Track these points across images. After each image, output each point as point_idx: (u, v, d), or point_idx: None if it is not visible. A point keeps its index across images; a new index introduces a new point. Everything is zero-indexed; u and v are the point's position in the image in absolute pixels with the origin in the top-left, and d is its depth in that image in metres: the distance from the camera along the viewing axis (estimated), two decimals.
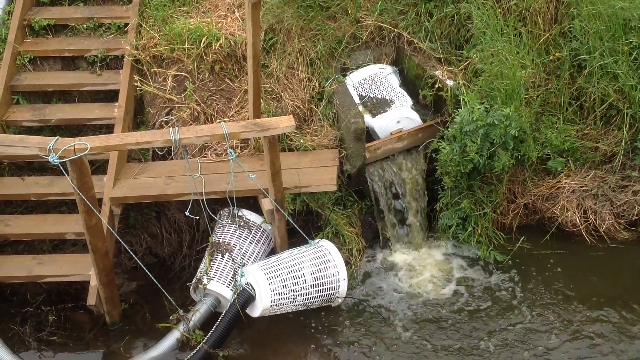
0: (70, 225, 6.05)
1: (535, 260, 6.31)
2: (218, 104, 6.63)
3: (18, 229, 6.12)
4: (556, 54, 6.54)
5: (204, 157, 6.47)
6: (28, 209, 6.41)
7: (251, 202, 6.26)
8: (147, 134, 5.39)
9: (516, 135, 5.92)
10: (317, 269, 5.67)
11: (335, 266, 5.73)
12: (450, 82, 6.47)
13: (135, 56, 6.75)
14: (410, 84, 6.89)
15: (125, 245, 5.60)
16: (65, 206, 6.37)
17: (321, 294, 5.69)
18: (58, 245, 6.33)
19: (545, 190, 6.47)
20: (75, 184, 5.17)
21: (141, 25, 6.94)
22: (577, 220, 6.37)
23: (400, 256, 6.48)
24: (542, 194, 6.47)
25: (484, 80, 6.27)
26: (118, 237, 5.68)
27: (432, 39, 6.79)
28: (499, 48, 6.28)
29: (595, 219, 6.38)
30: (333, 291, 5.73)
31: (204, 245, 6.19)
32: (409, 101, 6.70)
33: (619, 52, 6.37)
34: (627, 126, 6.39)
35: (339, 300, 5.85)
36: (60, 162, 5.01)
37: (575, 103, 6.57)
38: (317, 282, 5.64)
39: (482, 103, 6.12)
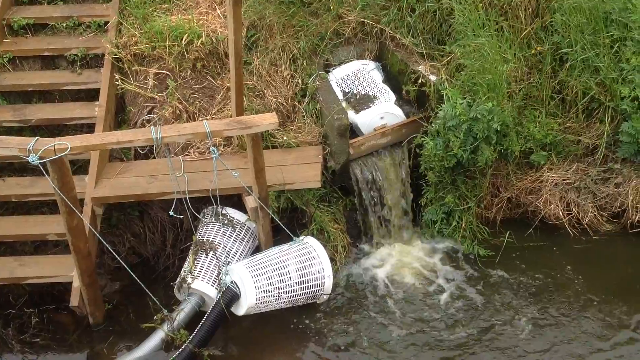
0: (51, 226, 5.98)
1: (519, 254, 6.33)
2: (200, 102, 6.59)
3: None
4: (538, 48, 6.56)
5: (187, 155, 6.42)
6: (9, 210, 6.33)
7: (235, 200, 6.23)
8: (129, 133, 5.35)
9: (499, 129, 5.94)
10: (302, 266, 5.66)
11: (321, 263, 5.72)
12: (433, 77, 6.47)
13: (116, 54, 6.69)
14: (393, 79, 6.89)
15: (107, 245, 5.56)
16: (46, 207, 6.30)
17: (307, 291, 5.67)
18: (40, 246, 6.26)
19: (528, 184, 6.49)
20: (56, 185, 5.11)
21: (121, 23, 6.88)
22: (560, 213, 6.40)
23: (385, 252, 6.48)
24: (526, 187, 6.49)
25: (467, 75, 6.28)
26: (100, 238, 5.62)
27: (415, 34, 6.79)
28: (481, 43, 6.28)
29: (578, 212, 6.41)
30: (318, 288, 5.72)
31: (188, 244, 6.15)
32: (392, 97, 6.70)
33: (600, 45, 6.40)
34: (609, 119, 6.43)
35: (325, 297, 5.84)
36: (40, 163, 4.96)
37: (557, 97, 6.59)
38: (302, 279, 5.63)
39: (465, 98, 6.13)
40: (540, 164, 6.51)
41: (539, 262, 6.24)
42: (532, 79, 6.57)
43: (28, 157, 4.94)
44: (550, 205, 6.40)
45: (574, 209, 6.41)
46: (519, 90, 6.50)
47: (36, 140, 5.00)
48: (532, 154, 6.49)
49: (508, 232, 6.43)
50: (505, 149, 6.19)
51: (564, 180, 6.44)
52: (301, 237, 5.95)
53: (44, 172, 5.06)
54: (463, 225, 6.36)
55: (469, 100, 6.09)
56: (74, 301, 5.68)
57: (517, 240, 6.43)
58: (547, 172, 6.49)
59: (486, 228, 6.46)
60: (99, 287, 5.87)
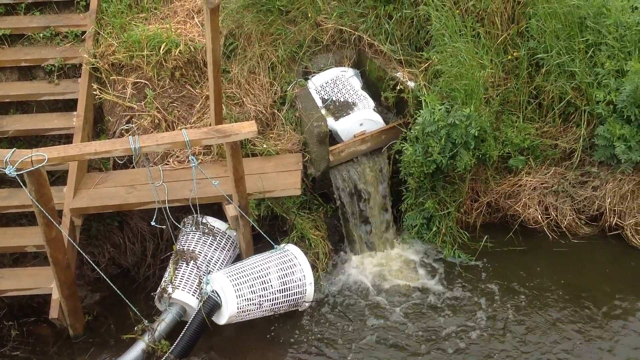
0: (30, 238, 5.94)
1: (499, 258, 6.37)
2: (179, 111, 6.57)
3: None
4: (514, 54, 6.62)
5: (166, 164, 6.41)
6: None
7: (215, 208, 6.22)
8: (107, 143, 5.32)
9: (477, 134, 5.98)
10: (284, 274, 5.65)
11: (302, 270, 5.72)
12: (411, 84, 6.51)
13: (94, 64, 6.66)
14: (372, 86, 6.92)
15: (86, 256, 5.53)
16: (25, 219, 6.26)
17: (288, 298, 5.67)
18: (19, 258, 6.22)
19: (507, 188, 6.54)
20: (34, 196, 5.08)
21: (99, 33, 6.85)
22: (539, 217, 6.45)
23: (366, 258, 6.49)
24: (504, 192, 6.55)
25: (444, 81, 6.32)
26: (79, 249, 5.59)
27: (393, 41, 6.83)
28: (458, 49, 6.32)
29: (556, 215, 6.47)
30: (300, 295, 5.72)
31: (169, 253, 6.13)
32: (371, 103, 6.72)
33: (575, 50, 6.48)
34: (585, 123, 6.49)
35: (306, 304, 5.84)
36: (17, 174, 4.93)
37: (534, 101, 6.66)
38: (283, 287, 5.62)
39: (443, 104, 6.17)
40: (519, 168, 6.56)
41: (519, 266, 6.27)
42: (509, 84, 6.62)
43: (5, 168, 4.91)
44: (529, 209, 6.45)
45: (552, 213, 6.47)
46: (496, 95, 6.55)
47: (13, 152, 4.97)
48: (510, 159, 6.54)
49: (486, 237, 6.47)
50: (483, 154, 6.24)
51: (542, 184, 6.50)
52: (282, 245, 5.95)
53: (22, 184, 5.02)
54: (443, 230, 6.39)
55: (447, 106, 6.13)
56: (53, 313, 5.64)
57: (497, 245, 6.47)
58: (526, 176, 6.54)
59: (466, 233, 6.50)
60: (79, 298, 5.83)
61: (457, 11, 6.58)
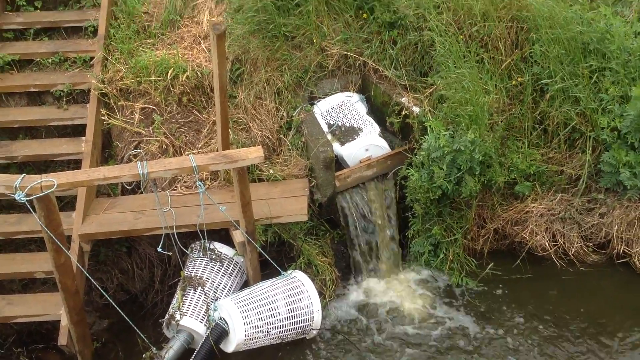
0: (39, 263, 5.95)
1: (507, 285, 6.33)
2: (187, 136, 6.62)
3: None
4: (518, 79, 6.65)
5: (174, 189, 6.43)
6: None
7: (223, 234, 6.23)
8: (115, 169, 5.36)
9: (481, 160, 5.99)
10: (291, 301, 5.66)
11: (309, 297, 5.72)
12: (416, 109, 6.54)
13: (102, 90, 6.72)
14: (377, 111, 6.96)
15: (95, 282, 5.54)
16: (34, 244, 6.29)
17: (296, 326, 5.67)
18: (28, 284, 6.23)
19: (514, 215, 6.52)
20: (43, 222, 5.10)
21: (107, 59, 6.91)
22: (547, 244, 6.42)
23: (373, 285, 6.47)
24: (511, 218, 6.52)
25: (449, 107, 6.34)
26: (88, 275, 5.60)
27: (397, 66, 6.88)
28: (462, 74, 6.36)
29: (564, 243, 6.43)
30: (308, 323, 5.72)
31: (176, 280, 6.14)
32: (376, 129, 6.75)
33: (579, 75, 6.51)
34: (590, 149, 6.51)
35: (314, 332, 5.82)
36: (27, 200, 4.95)
37: (539, 127, 6.67)
38: (291, 314, 5.63)
39: (448, 129, 6.19)
40: (525, 194, 6.55)
41: (527, 294, 6.22)
42: (513, 110, 6.64)
43: (15, 194, 4.93)
44: (536, 236, 6.41)
45: (559, 240, 6.43)
46: (501, 121, 6.56)
47: (23, 178, 4.99)
48: (516, 185, 6.54)
49: (492, 264, 6.43)
50: (489, 179, 6.25)
51: (548, 210, 6.48)
52: (289, 271, 5.96)
53: (31, 210, 5.05)
54: (450, 257, 6.38)
55: (452, 132, 6.15)
56: (62, 340, 5.64)
57: (505, 272, 6.42)
58: (532, 202, 6.52)
59: (473, 260, 6.47)
60: (88, 325, 5.84)
61: (461, 37, 6.64)
